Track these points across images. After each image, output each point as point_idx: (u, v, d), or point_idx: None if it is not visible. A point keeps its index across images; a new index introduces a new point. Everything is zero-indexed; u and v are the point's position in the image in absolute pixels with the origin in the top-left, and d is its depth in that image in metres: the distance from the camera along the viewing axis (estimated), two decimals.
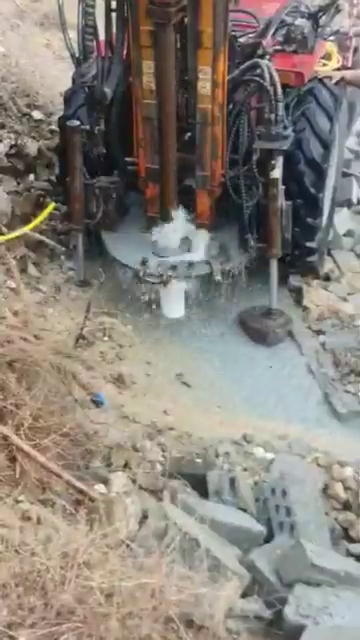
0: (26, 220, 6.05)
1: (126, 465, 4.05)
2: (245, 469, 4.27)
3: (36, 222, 5.95)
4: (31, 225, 5.91)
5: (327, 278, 6.37)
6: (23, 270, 5.68)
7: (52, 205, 6.13)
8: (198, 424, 4.76)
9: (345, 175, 7.19)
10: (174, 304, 5.72)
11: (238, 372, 5.52)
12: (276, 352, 5.72)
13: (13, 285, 5.08)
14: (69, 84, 6.14)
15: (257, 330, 5.80)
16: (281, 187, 5.47)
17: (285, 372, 5.55)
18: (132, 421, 4.57)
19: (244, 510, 3.86)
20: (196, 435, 4.57)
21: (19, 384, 3.79)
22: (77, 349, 4.69)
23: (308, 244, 5.93)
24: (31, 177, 6.62)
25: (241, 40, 5.65)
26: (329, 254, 6.59)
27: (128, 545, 3.10)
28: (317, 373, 5.49)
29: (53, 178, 6.68)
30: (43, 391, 3.86)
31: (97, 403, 4.57)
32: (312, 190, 5.73)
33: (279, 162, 5.38)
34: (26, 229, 5.86)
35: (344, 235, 6.87)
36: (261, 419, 4.94)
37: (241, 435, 4.65)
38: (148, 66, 5.27)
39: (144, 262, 5.52)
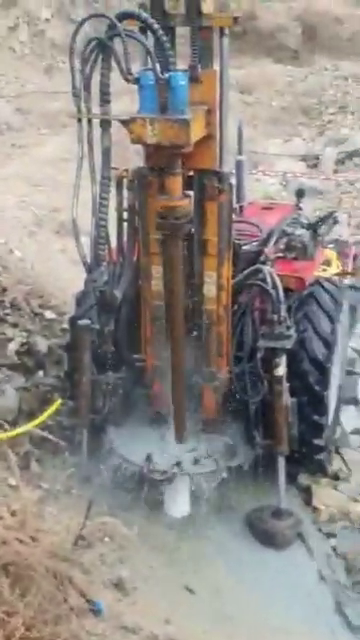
0: (32, 415, 6.05)
1: None
2: None
3: (41, 419, 5.94)
4: (36, 422, 5.90)
5: (336, 477, 6.25)
6: (25, 467, 5.59)
7: (57, 403, 6.16)
8: (202, 635, 4.44)
9: (350, 373, 7.28)
10: (179, 502, 5.59)
11: (245, 578, 5.23)
12: (285, 556, 5.46)
13: (13, 482, 4.97)
14: (82, 286, 6.42)
15: (265, 531, 5.58)
16: (285, 384, 5.54)
17: (295, 578, 5.26)
18: (131, 632, 4.27)
19: None
20: None
21: (12, 590, 3.59)
22: (76, 551, 4.48)
23: (315, 441, 5.89)
24: (40, 373, 6.72)
25: (245, 248, 6.01)
26: (337, 452, 6.50)
27: None
28: (329, 580, 5.20)
29: (62, 374, 6.78)
30: (37, 598, 3.65)
31: (95, 611, 4.29)
32: (317, 388, 5.80)
33: (282, 360, 5.51)
34: (29, 426, 5.83)
35: (351, 433, 6.82)
36: (270, 631, 4.61)
37: None
38: (157, 270, 5.56)
39: (149, 458, 5.45)
